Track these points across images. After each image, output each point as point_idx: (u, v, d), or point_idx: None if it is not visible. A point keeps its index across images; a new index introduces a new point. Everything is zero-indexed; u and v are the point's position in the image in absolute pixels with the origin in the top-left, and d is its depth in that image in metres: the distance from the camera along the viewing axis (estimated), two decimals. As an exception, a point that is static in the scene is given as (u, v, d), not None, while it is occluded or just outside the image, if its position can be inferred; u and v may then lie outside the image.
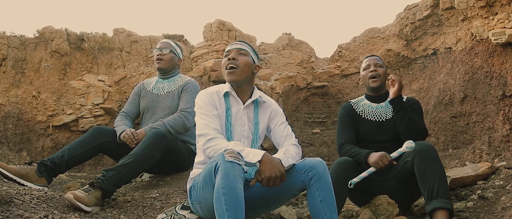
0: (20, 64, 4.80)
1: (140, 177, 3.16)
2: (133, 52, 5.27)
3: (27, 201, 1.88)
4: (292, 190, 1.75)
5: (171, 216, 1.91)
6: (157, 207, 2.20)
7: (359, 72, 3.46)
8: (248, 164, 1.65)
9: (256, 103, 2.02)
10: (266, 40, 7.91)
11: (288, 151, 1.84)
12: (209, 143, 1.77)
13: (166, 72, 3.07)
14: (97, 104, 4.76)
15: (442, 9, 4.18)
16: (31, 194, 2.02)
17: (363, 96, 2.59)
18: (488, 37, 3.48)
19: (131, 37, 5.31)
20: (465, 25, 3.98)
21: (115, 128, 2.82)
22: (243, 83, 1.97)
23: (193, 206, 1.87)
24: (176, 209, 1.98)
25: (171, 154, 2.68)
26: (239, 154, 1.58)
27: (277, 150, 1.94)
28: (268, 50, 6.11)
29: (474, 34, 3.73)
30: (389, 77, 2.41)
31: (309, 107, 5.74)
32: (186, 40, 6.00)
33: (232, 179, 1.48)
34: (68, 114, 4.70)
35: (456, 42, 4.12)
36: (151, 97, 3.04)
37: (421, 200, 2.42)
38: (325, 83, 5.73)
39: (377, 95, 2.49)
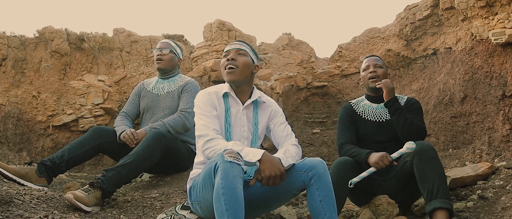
0: (20, 64, 4.80)
1: (140, 177, 3.16)
2: (133, 52, 5.27)
3: (27, 201, 1.88)
4: (292, 190, 1.75)
5: (171, 216, 1.91)
6: (157, 207, 2.20)
7: (359, 72, 3.46)
8: (247, 163, 1.65)
9: (255, 103, 2.01)
10: (266, 40, 7.92)
11: (288, 151, 1.84)
12: (208, 144, 1.76)
13: (166, 72, 3.08)
14: (97, 104, 4.76)
15: (442, 9, 4.18)
16: (31, 194, 2.02)
17: (363, 96, 2.59)
18: (488, 37, 3.48)
19: (131, 37, 5.31)
20: (465, 25, 3.98)
21: (115, 128, 2.82)
22: (243, 83, 1.97)
23: (193, 206, 1.87)
24: (176, 209, 1.98)
25: (171, 154, 2.68)
26: (239, 154, 1.58)
27: (277, 150, 1.94)
28: (268, 50, 6.11)
29: (474, 34, 3.73)
30: (377, 84, 2.40)
31: (309, 107, 5.74)
32: (186, 40, 6.00)
33: (232, 179, 1.48)
34: (68, 114, 4.70)
35: (456, 42, 4.12)
36: (151, 97, 3.04)
37: (421, 200, 2.42)
38: (325, 83, 5.73)
39: (377, 95, 2.49)
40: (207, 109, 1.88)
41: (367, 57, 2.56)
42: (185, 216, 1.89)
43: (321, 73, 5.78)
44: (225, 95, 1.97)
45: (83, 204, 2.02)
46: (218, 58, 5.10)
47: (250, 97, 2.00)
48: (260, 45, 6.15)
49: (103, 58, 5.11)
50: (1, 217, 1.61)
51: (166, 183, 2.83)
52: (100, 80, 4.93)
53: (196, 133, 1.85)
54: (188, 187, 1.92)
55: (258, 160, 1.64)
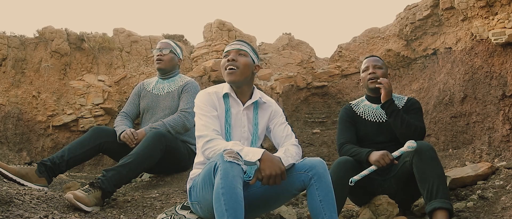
0: (20, 64, 4.80)
1: (140, 177, 3.16)
2: (133, 52, 5.27)
3: (27, 201, 1.88)
4: (292, 190, 1.75)
5: (171, 216, 1.91)
6: (157, 207, 2.20)
7: (359, 72, 3.46)
8: (248, 163, 1.65)
9: (256, 104, 2.01)
10: (266, 40, 7.92)
11: (288, 151, 1.84)
12: (208, 144, 1.76)
13: (166, 72, 3.08)
14: (97, 104, 4.76)
15: (442, 9, 4.18)
16: (31, 194, 2.02)
17: (364, 97, 2.59)
18: (488, 37, 3.48)
19: (131, 37, 5.31)
20: (465, 25, 3.98)
21: (115, 128, 2.82)
22: (243, 84, 1.96)
23: (193, 206, 1.87)
24: (176, 209, 1.98)
25: (171, 154, 2.68)
26: (238, 154, 1.58)
27: (277, 150, 1.94)
28: (268, 50, 6.11)
29: (474, 34, 3.73)
30: (376, 85, 2.40)
31: (309, 107, 5.74)
32: (186, 40, 6.00)
33: (231, 179, 1.48)
34: (68, 114, 4.70)
35: (456, 42, 4.12)
36: (151, 98, 3.04)
37: (421, 200, 2.42)
38: (325, 83, 5.73)
39: (377, 96, 2.49)
40: (207, 109, 1.88)
41: (367, 57, 2.56)
42: (185, 216, 1.89)
43: (321, 73, 5.78)
44: (226, 95, 1.96)
45: (83, 204, 2.02)
46: (218, 58, 5.10)
47: (250, 98, 1.99)
48: (260, 45, 6.15)
49: (103, 58, 5.11)
50: (1, 217, 1.61)
51: (166, 183, 2.83)
52: (100, 80, 4.93)
53: (196, 133, 1.85)
54: (188, 187, 1.92)
55: (258, 160, 1.64)
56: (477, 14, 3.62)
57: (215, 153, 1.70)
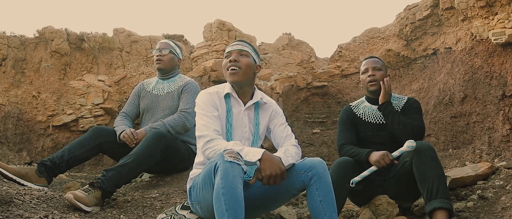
0: (20, 64, 4.80)
1: (140, 177, 3.16)
2: (133, 52, 5.27)
3: (27, 201, 1.88)
4: (292, 190, 1.75)
5: (171, 216, 1.91)
6: (157, 207, 2.20)
7: (359, 72, 3.46)
8: (248, 163, 1.65)
9: (256, 104, 2.01)
10: (266, 40, 7.92)
11: (288, 151, 1.84)
12: (209, 145, 1.76)
13: (166, 72, 3.07)
14: (97, 104, 4.76)
15: (442, 9, 4.18)
16: (31, 194, 2.02)
17: (364, 98, 2.60)
18: (488, 37, 3.48)
19: (131, 37, 5.31)
20: (465, 25, 3.98)
21: (115, 128, 2.82)
22: (245, 84, 1.96)
23: (193, 206, 1.87)
24: (176, 209, 1.98)
25: (171, 154, 2.68)
26: (239, 154, 1.58)
27: (277, 150, 1.94)
28: (268, 50, 6.11)
29: (474, 34, 3.73)
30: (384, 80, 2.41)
31: (309, 107, 5.74)
32: (186, 40, 6.00)
33: (232, 179, 1.48)
34: (68, 114, 4.69)
35: (456, 42, 4.12)
36: (150, 98, 3.04)
37: (421, 200, 2.42)
38: (325, 83, 5.73)
39: (377, 97, 2.49)
40: (208, 109, 1.88)
41: (366, 59, 2.55)
42: (185, 216, 1.89)
43: (321, 73, 5.78)
44: (227, 95, 1.97)
45: (83, 204, 2.02)
46: (218, 58, 5.10)
47: (251, 98, 2.00)
48: (260, 45, 6.15)
49: (103, 58, 5.11)
50: (1, 217, 1.61)
51: (166, 183, 2.83)
52: (100, 80, 4.93)
53: (197, 133, 1.85)
54: (188, 187, 1.92)
55: (259, 160, 1.64)
56: (477, 14, 3.62)
57: (216, 153, 1.70)
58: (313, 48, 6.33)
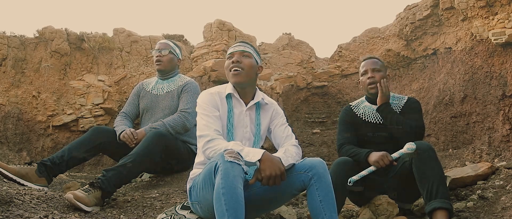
0: (20, 64, 4.80)
1: (140, 177, 3.16)
2: (133, 52, 5.27)
3: (27, 201, 1.88)
4: (292, 190, 1.75)
5: (171, 216, 1.91)
6: (157, 207, 2.20)
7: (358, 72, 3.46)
8: (248, 163, 1.65)
9: (258, 104, 2.02)
10: (266, 40, 7.92)
11: (288, 151, 1.84)
12: (209, 144, 1.77)
13: (166, 73, 3.07)
14: (97, 104, 4.76)
15: (442, 9, 4.18)
16: (31, 194, 2.02)
17: (363, 98, 2.59)
18: (488, 37, 3.48)
19: (131, 37, 5.31)
20: (465, 25, 3.98)
21: (115, 128, 2.82)
22: (247, 85, 1.97)
23: (193, 206, 1.87)
24: (176, 209, 1.98)
25: (171, 154, 2.68)
26: (239, 154, 1.58)
27: (277, 150, 1.94)
28: (268, 50, 6.11)
29: (474, 34, 3.73)
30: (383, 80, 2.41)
31: (309, 107, 5.74)
32: (186, 40, 6.00)
33: (232, 179, 1.48)
34: (68, 114, 4.70)
35: (456, 42, 4.12)
36: (150, 98, 3.04)
37: (421, 200, 2.42)
38: (325, 83, 5.73)
39: (376, 98, 2.49)
40: (209, 109, 1.89)
41: (365, 59, 2.54)
42: (185, 216, 1.89)
43: (321, 73, 5.78)
44: (229, 96, 1.97)
45: (83, 204, 2.02)
46: (218, 58, 5.10)
47: (253, 98, 2.00)
48: (260, 45, 6.15)
49: (103, 58, 5.11)
50: (1, 217, 1.61)
51: (166, 183, 2.83)
52: (100, 80, 4.93)
53: (198, 133, 1.86)
54: (188, 187, 1.92)
55: (259, 160, 1.64)
56: (477, 14, 3.62)
57: (216, 153, 1.70)
58: (313, 48, 6.33)
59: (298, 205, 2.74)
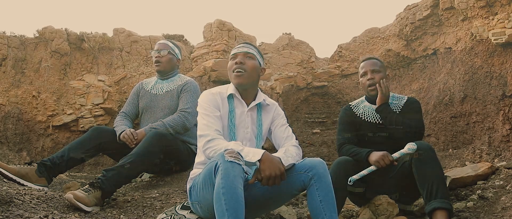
0: (20, 64, 4.80)
1: (140, 177, 3.16)
2: (133, 52, 5.27)
3: (27, 201, 1.88)
4: (292, 190, 1.75)
5: (171, 216, 1.91)
6: (157, 207, 2.20)
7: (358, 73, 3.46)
8: (248, 163, 1.65)
9: (259, 105, 2.02)
10: (266, 40, 7.93)
11: (288, 151, 1.84)
12: (209, 144, 1.77)
13: (165, 73, 3.07)
14: (97, 104, 4.76)
15: (442, 9, 4.18)
16: (31, 194, 2.02)
17: (363, 98, 2.59)
18: (488, 37, 3.48)
19: (131, 37, 5.31)
20: (465, 25, 3.98)
21: (115, 128, 2.82)
22: (250, 86, 1.97)
23: (193, 206, 1.87)
24: (176, 209, 1.98)
25: (171, 154, 2.68)
26: (239, 154, 1.58)
27: (277, 150, 1.94)
28: (268, 50, 6.12)
29: (474, 34, 3.73)
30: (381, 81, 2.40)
31: (309, 107, 5.74)
32: (186, 40, 6.00)
33: (232, 179, 1.48)
34: (68, 114, 4.70)
35: (456, 42, 4.12)
36: (149, 97, 3.04)
37: (421, 200, 2.42)
38: (325, 83, 5.73)
39: (376, 98, 2.49)
40: (210, 109, 1.89)
41: (364, 60, 2.53)
42: (185, 216, 1.89)
43: (321, 73, 5.78)
44: (230, 96, 1.97)
45: (83, 204, 2.02)
46: (218, 58, 5.10)
47: (254, 99, 2.00)
48: (260, 45, 6.15)
49: (103, 58, 5.11)
50: (1, 217, 1.61)
51: (166, 183, 2.83)
52: (100, 80, 4.93)
53: (198, 132, 1.86)
54: (188, 187, 1.92)
55: (258, 160, 1.64)
56: (477, 14, 3.62)
57: (216, 153, 1.70)
58: (313, 48, 6.34)
59: (298, 205, 2.74)
